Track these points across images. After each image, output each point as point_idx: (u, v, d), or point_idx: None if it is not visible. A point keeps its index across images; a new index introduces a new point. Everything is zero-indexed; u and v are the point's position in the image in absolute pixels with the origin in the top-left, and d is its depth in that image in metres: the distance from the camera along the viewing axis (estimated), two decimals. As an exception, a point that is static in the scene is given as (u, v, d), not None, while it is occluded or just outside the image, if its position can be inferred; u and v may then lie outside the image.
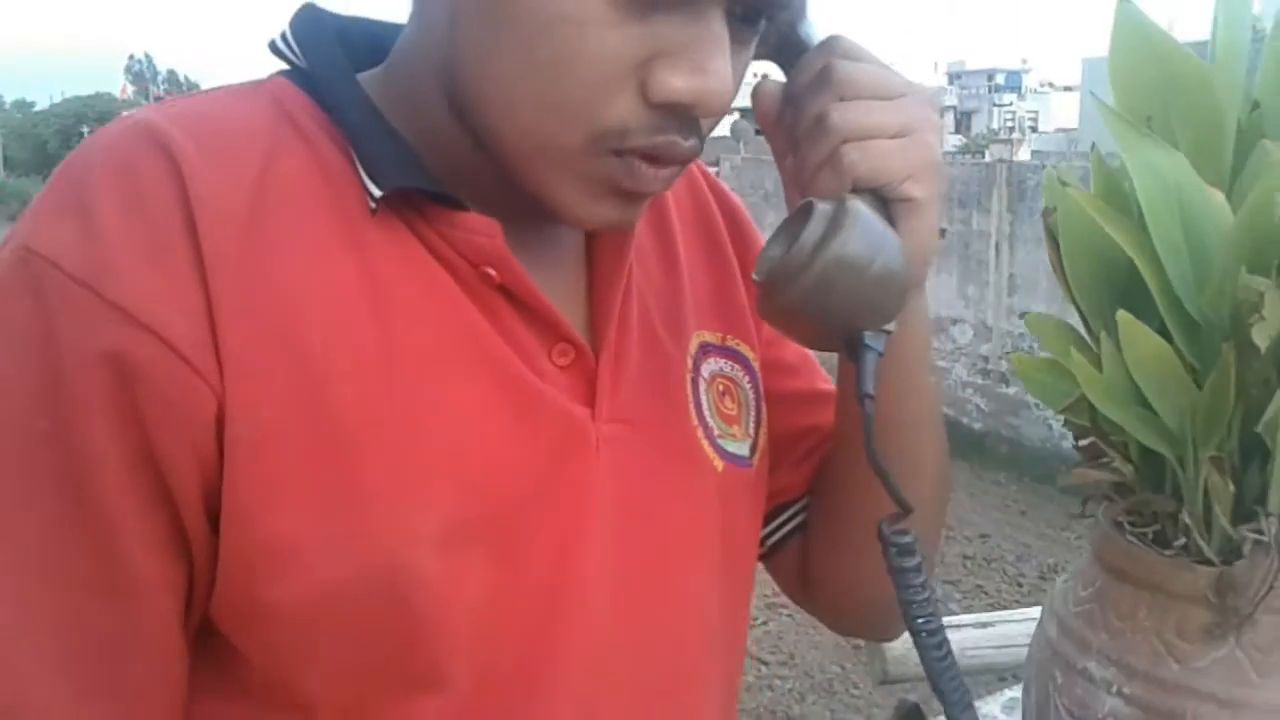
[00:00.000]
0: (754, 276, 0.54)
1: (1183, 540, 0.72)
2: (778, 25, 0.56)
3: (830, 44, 0.58)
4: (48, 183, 0.52)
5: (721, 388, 0.65)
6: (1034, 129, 42.64)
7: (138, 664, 0.51)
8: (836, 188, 0.55)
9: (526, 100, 0.50)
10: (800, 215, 0.53)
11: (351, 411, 0.50)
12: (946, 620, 1.39)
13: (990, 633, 1.62)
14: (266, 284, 0.50)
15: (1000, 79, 56.63)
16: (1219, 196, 0.68)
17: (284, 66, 0.58)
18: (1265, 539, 0.68)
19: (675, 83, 0.49)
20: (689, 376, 0.63)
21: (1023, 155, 20.48)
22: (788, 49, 0.59)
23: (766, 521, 0.72)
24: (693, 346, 0.64)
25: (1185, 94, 0.70)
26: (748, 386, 0.67)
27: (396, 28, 0.59)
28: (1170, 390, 0.68)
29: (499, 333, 0.55)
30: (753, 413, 0.67)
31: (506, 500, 0.54)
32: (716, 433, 0.63)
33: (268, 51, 0.58)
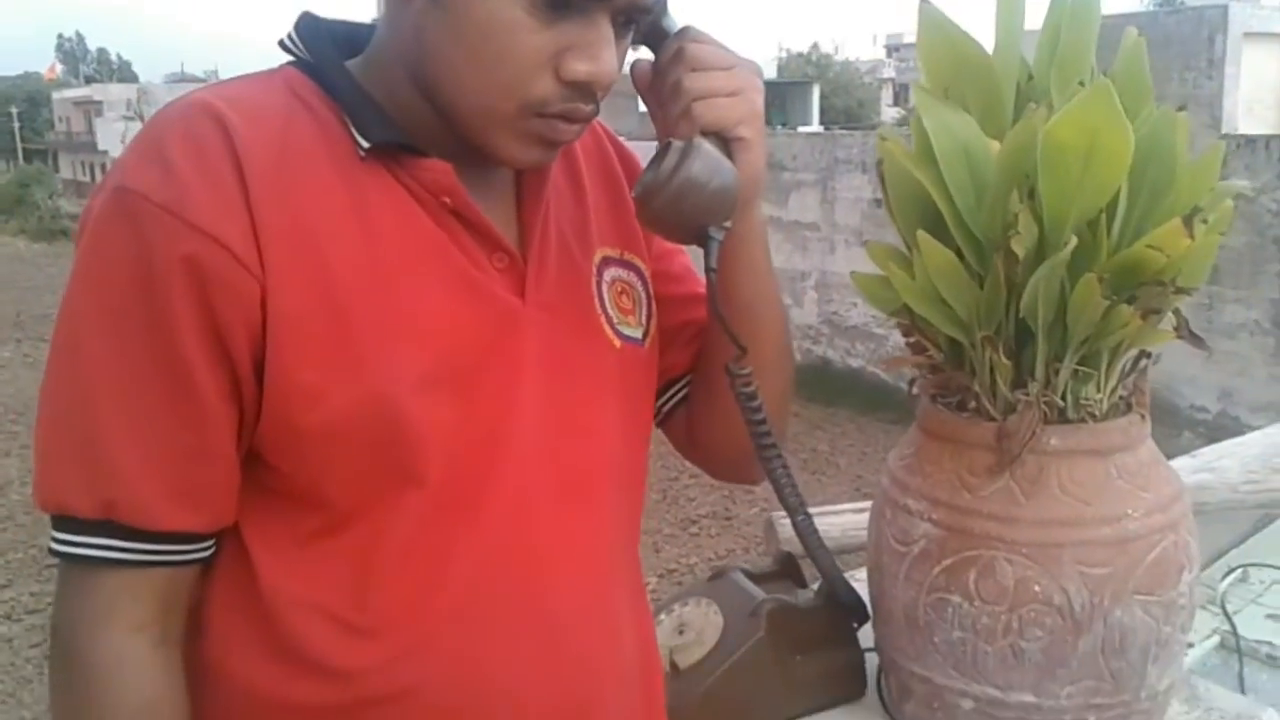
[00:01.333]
0: (632, 194, 0.77)
1: (974, 404, 0.97)
2: (647, 20, 0.80)
3: (683, 32, 0.82)
4: (131, 143, 0.74)
5: (620, 289, 0.88)
6: (969, 102, 43.18)
7: (206, 470, 0.73)
8: (689, 132, 0.78)
9: (474, 82, 0.72)
10: (662, 152, 0.77)
11: (350, 296, 0.72)
12: (838, 507, 1.63)
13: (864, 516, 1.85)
14: (290, 208, 0.71)
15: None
16: (995, 145, 0.92)
17: (287, 58, 0.80)
18: (1029, 399, 0.93)
19: (579, 68, 0.72)
20: (593, 280, 0.86)
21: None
22: (655, 36, 0.82)
23: (660, 394, 0.95)
24: (597, 258, 0.87)
25: (972, 71, 0.94)
26: (640, 289, 0.90)
27: (368, 27, 0.81)
28: (959, 290, 0.92)
29: (454, 243, 0.77)
30: (644, 308, 0.90)
31: (462, 357, 0.76)
32: (615, 320, 0.86)
33: (273, 46, 0.81)
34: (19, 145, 51.86)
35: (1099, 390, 0.95)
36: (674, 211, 0.76)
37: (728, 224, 0.79)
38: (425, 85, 0.75)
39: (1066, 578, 0.91)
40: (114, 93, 42.06)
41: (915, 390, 1.04)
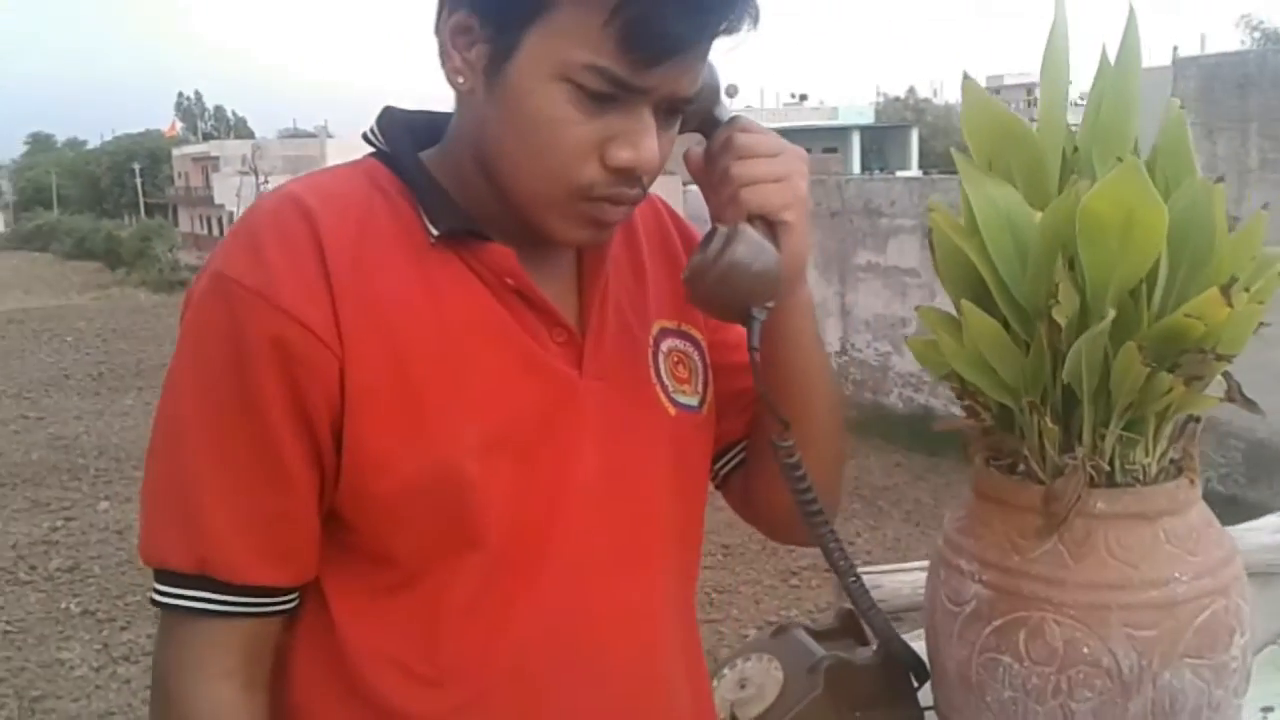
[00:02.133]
0: (682, 276, 0.82)
1: (1024, 468, 0.99)
2: (699, 109, 0.85)
3: (733, 121, 0.87)
4: (229, 232, 0.81)
5: (676, 359, 0.93)
6: (1073, 143, 42.60)
7: (290, 530, 0.80)
8: (737, 217, 0.84)
9: (527, 169, 0.79)
10: (709, 236, 0.82)
11: (420, 372, 0.79)
12: (909, 564, 1.64)
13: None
14: (367, 292, 0.78)
15: (1039, 92, 56.46)
16: (1038, 215, 0.95)
17: (370, 150, 0.87)
18: (1076, 463, 0.95)
19: (622, 155, 0.78)
20: (650, 350, 0.91)
21: (1058, 170, 20.61)
22: (708, 124, 0.88)
23: (718, 458, 1.00)
24: (654, 330, 0.92)
25: (1016, 144, 0.97)
26: (697, 358, 0.95)
27: (447, 116, 0.88)
28: (1004, 357, 0.95)
29: (515, 320, 0.83)
30: (701, 377, 0.95)
31: (521, 427, 0.82)
32: (671, 389, 0.91)
33: (354, 131, 0.88)
34: (141, 200, 54.11)
35: (1147, 454, 0.96)
36: (719, 293, 0.81)
37: (770, 304, 0.83)
38: (488, 171, 0.81)
39: (1114, 640, 0.92)
40: (230, 148, 43.70)
41: (969, 453, 1.06)
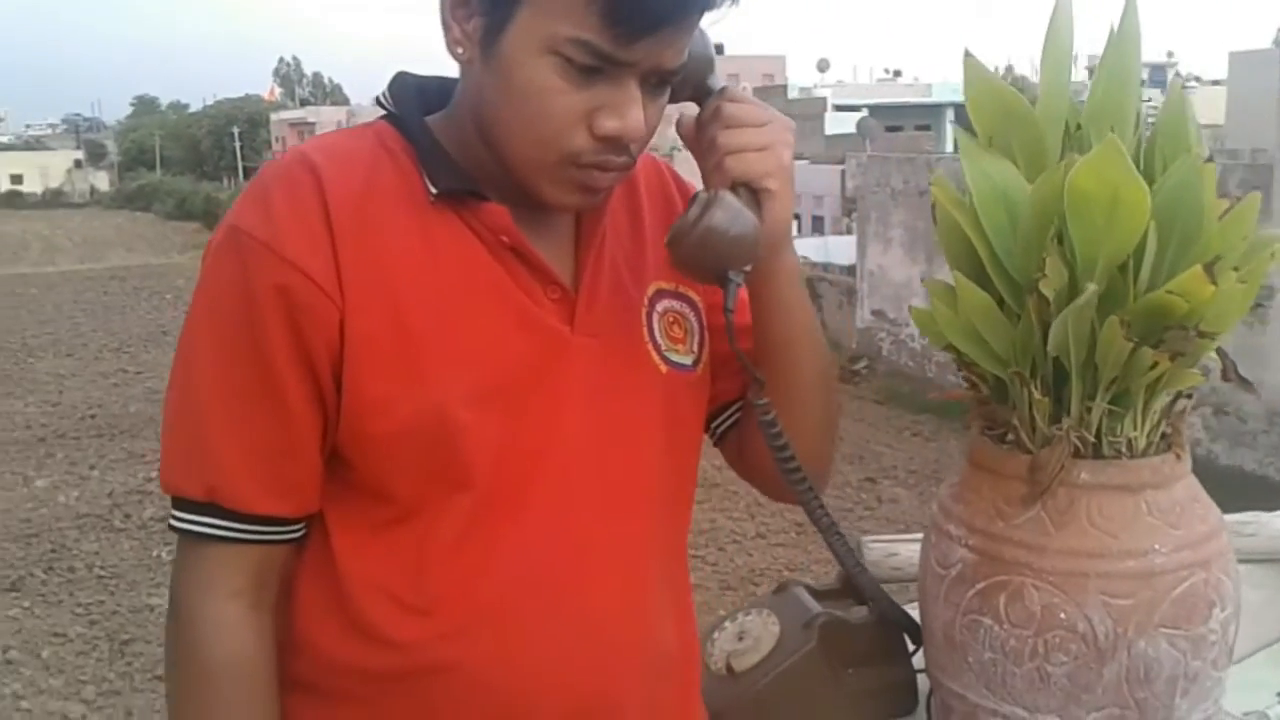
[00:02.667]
0: (665, 242, 0.87)
1: (1014, 437, 1.01)
2: (692, 78, 0.89)
3: (723, 91, 0.91)
4: (246, 187, 0.87)
5: (671, 319, 0.97)
6: (1177, 125, 41.27)
7: (293, 464, 0.87)
8: (721, 183, 0.88)
9: (520, 136, 0.83)
10: (691, 201, 0.86)
11: (416, 322, 0.84)
12: (914, 535, 1.66)
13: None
14: (368, 245, 0.84)
15: (1144, 74, 54.84)
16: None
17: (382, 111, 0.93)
18: (1062, 434, 0.97)
19: (609, 124, 0.82)
20: (644, 310, 0.95)
21: (1157, 153, 20.04)
22: (700, 93, 0.92)
23: (715, 415, 1.04)
24: (650, 290, 0.97)
25: (1017, 121, 0.99)
26: (693, 319, 0.99)
27: (457, 81, 0.93)
28: (996, 329, 0.98)
29: (510, 277, 0.88)
30: (696, 337, 0.99)
31: (512, 377, 0.87)
32: (664, 348, 0.96)
33: (391, 70, 0.94)
34: (240, 163, 55.37)
35: (1135, 428, 0.98)
36: (697, 256, 0.85)
37: (747, 268, 0.87)
38: (485, 137, 0.86)
39: (1091, 606, 0.94)
40: (326, 114, 44.52)
41: (967, 422, 1.09)
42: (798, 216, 23.69)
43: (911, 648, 1.16)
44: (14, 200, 56.51)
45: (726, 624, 1.18)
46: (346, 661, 0.89)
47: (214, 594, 0.87)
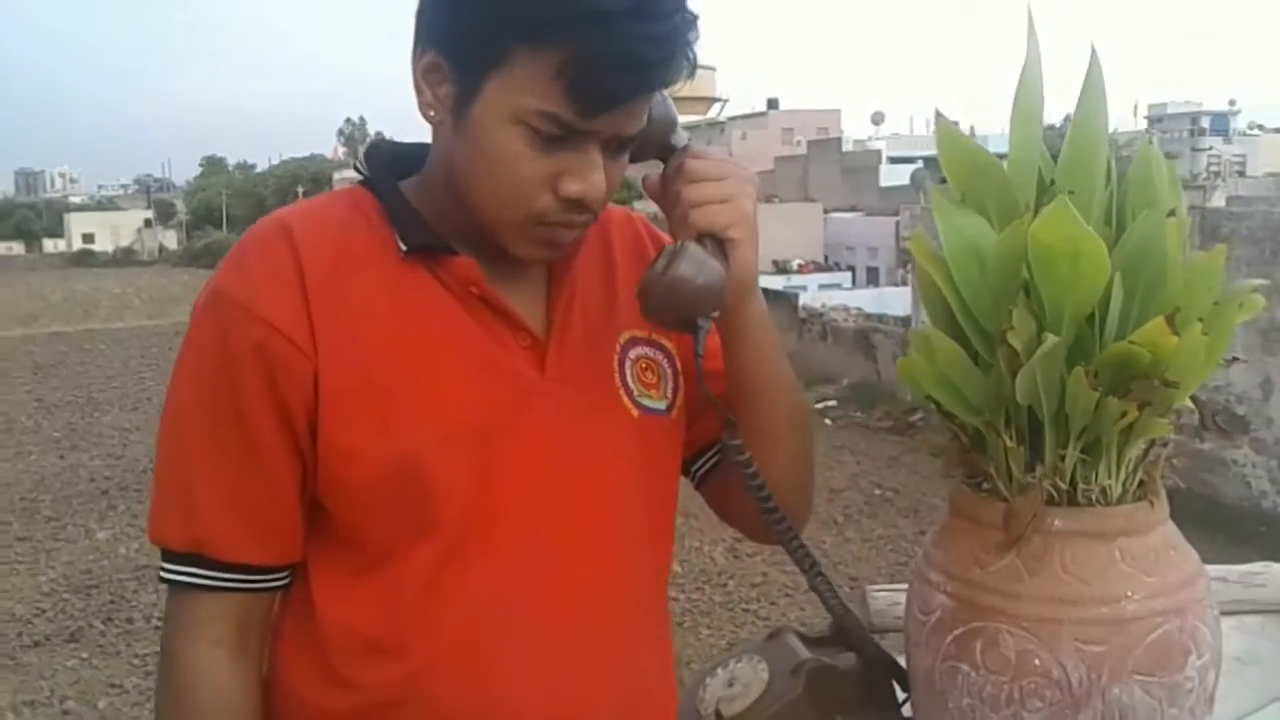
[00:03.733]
0: (635, 292, 0.90)
1: (990, 485, 1.03)
2: (656, 138, 0.93)
3: (685, 149, 0.96)
4: (228, 252, 0.93)
5: (644, 365, 1.01)
6: (1240, 173, 40.85)
7: (274, 514, 0.91)
8: (688, 235, 0.92)
9: (489, 197, 0.88)
10: (659, 253, 0.90)
11: (386, 374, 0.89)
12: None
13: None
14: (341, 304, 0.89)
15: (1206, 122, 54.27)
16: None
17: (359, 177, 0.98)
18: (1035, 482, 0.99)
19: (572, 188, 0.87)
20: (616, 356, 0.99)
21: (1217, 201, 19.84)
22: (664, 151, 0.96)
23: (695, 459, 1.07)
24: (623, 338, 1.01)
25: (989, 178, 1.02)
26: (666, 365, 1.02)
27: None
28: (967, 378, 1.00)
29: (480, 327, 0.92)
30: (670, 382, 1.02)
31: (482, 424, 0.91)
32: (636, 393, 0.99)
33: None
34: (303, 221, 56.32)
35: (1109, 476, 1.00)
36: (666, 305, 0.89)
37: (715, 314, 0.91)
38: (457, 195, 0.91)
39: (1064, 653, 0.96)
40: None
41: (947, 470, 1.10)
42: (852, 269, 23.72)
43: (902, 695, 1.17)
44: (86, 259, 58.04)
45: (718, 670, 1.20)
46: (319, 703, 0.93)
47: (198, 641, 0.91)
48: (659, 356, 1.03)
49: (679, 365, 1.04)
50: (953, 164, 1.03)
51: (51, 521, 10.66)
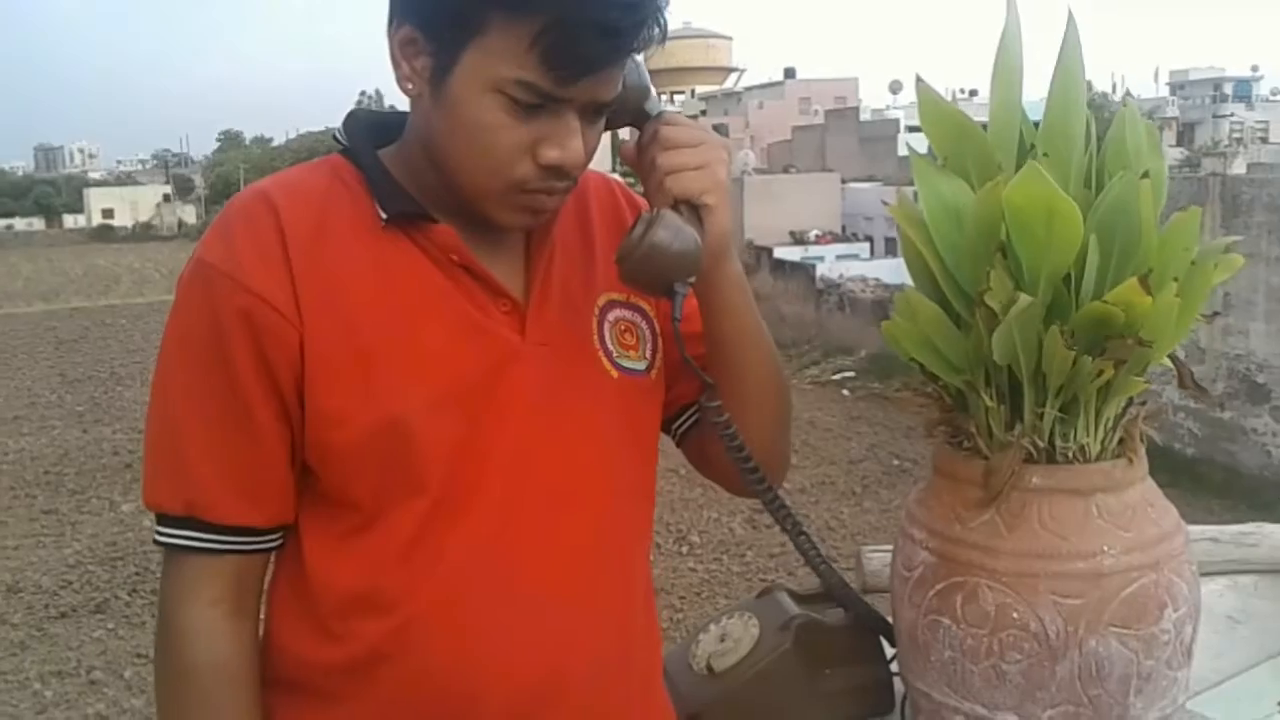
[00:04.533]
0: (614, 259, 0.93)
1: (971, 444, 1.05)
2: (631, 106, 0.95)
3: (660, 116, 0.98)
4: (211, 223, 0.95)
5: (623, 327, 1.03)
6: (1263, 140, 40.43)
7: (264, 477, 0.94)
8: (663, 203, 0.94)
9: (469, 166, 0.90)
10: (635, 221, 0.92)
11: (370, 340, 0.91)
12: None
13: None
14: (323, 270, 0.91)
15: (1229, 88, 53.66)
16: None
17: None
18: (1013, 440, 1.01)
19: (551, 155, 0.89)
20: (595, 319, 1.02)
21: (1238, 168, 19.67)
22: (639, 118, 0.98)
23: (675, 418, 1.10)
24: (601, 301, 1.03)
25: (970, 142, 1.04)
26: (645, 327, 1.04)
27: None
28: (947, 339, 1.02)
29: (460, 293, 0.95)
30: (649, 344, 1.05)
31: (465, 385, 0.93)
32: (615, 355, 1.02)
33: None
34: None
35: (1088, 434, 1.02)
36: (644, 271, 0.91)
37: (692, 280, 0.93)
38: (436, 165, 0.93)
39: (1042, 606, 0.98)
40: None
41: (929, 430, 1.13)
42: (870, 239, 23.62)
43: (891, 651, 1.20)
44: (105, 234, 58.37)
45: (711, 626, 1.23)
46: (312, 658, 0.96)
47: (195, 602, 0.94)
48: (637, 319, 1.05)
49: (657, 327, 1.06)
50: (934, 128, 1.05)
51: (76, 495, 10.80)
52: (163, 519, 0.95)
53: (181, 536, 0.94)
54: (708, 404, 0.99)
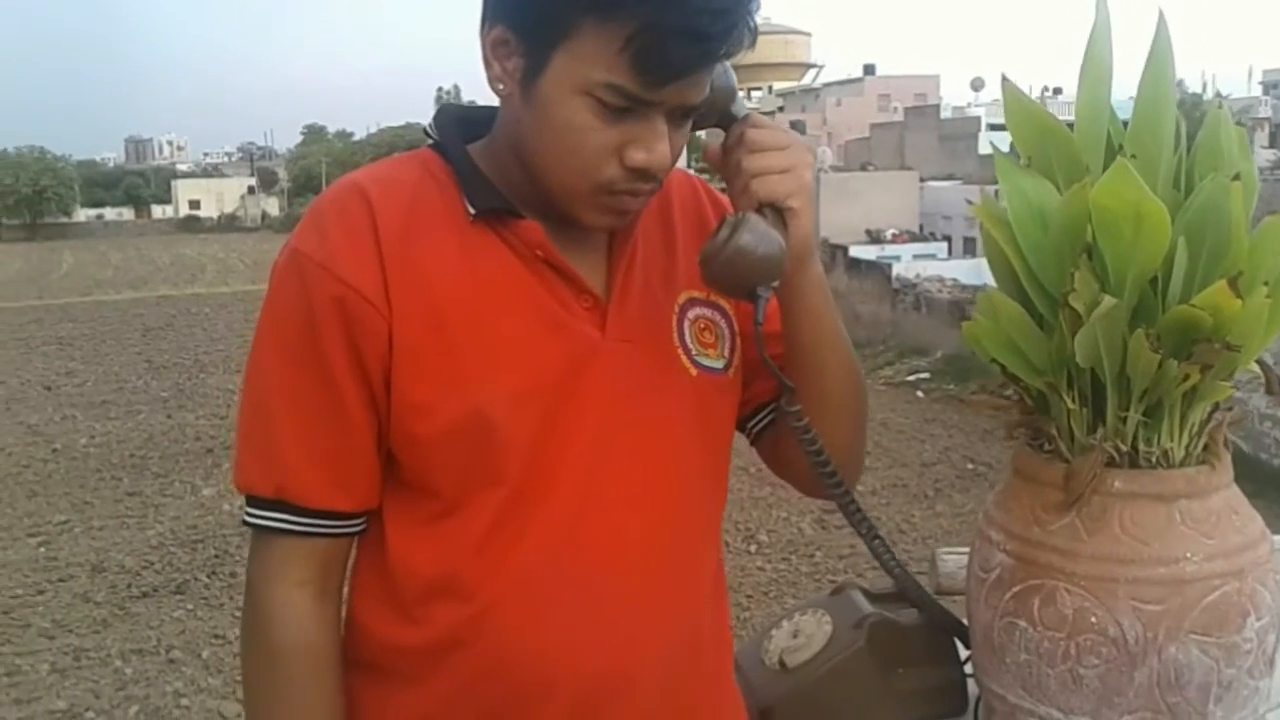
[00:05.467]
0: (698, 261, 0.93)
1: (1052, 446, 1.05)
2: (717, 107, 0.96)
3: (746, 118, 0.98)
4: (305, 213, 0.98)
5: (702, 325, 1.04)
6: (1361, 142, 39.16)
7: (352, 463, 0.96)
8: (748, 205, 0.94)
9: (557, 166, 0.92)
10: (720, 223, 0.93)
11: (457, 330, 0.93)
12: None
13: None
14: (412, 262, 0.93)
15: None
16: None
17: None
18: (1095, 443, 1.00)
19: (638, 157, 0.90)
20: (675, 316, 1.03)
21: (1334, 171, 19.10)
22: (724, 120, 0.99)
23: (750, 417, 1.10)
24: (681, 299, 1.04)
25: (1056, 143, 1.03)
26: (724, 325, 1.05)
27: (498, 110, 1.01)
28: (1030, 340, 1.01)
29: (544, 288, 0.96)
30: (728, 342, 1.05)
31: (546, 380, 0.95)
32: (694, 352, 1.02)
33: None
34: (400, 188, 57.08)
35: (1171, 439, 1.00)
36: (727, 275, 0.92)
37: (775, 284, 0.93)
38: (523, 163, 0.95)
39: (1121, 611, 0.97)
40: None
41: (1010, 432, 1.12)
42: (948, 238, 23.34)
43: (965, 653, 1.19)
44: (192, 225, 59.71)
45: (783, 622, 1.23)
46: (392, 641, 0.98)
47: (282, 583, 0.97)
48: (717, 317, 1.06)
49: (736, 325, 1.06)
50: (1019, 127, 1.04)
51: (159, 478, 11.08)
52: (253, 501, 0.98)
53: (271, 518, 0.97)
54: (788, 408, 1.00)
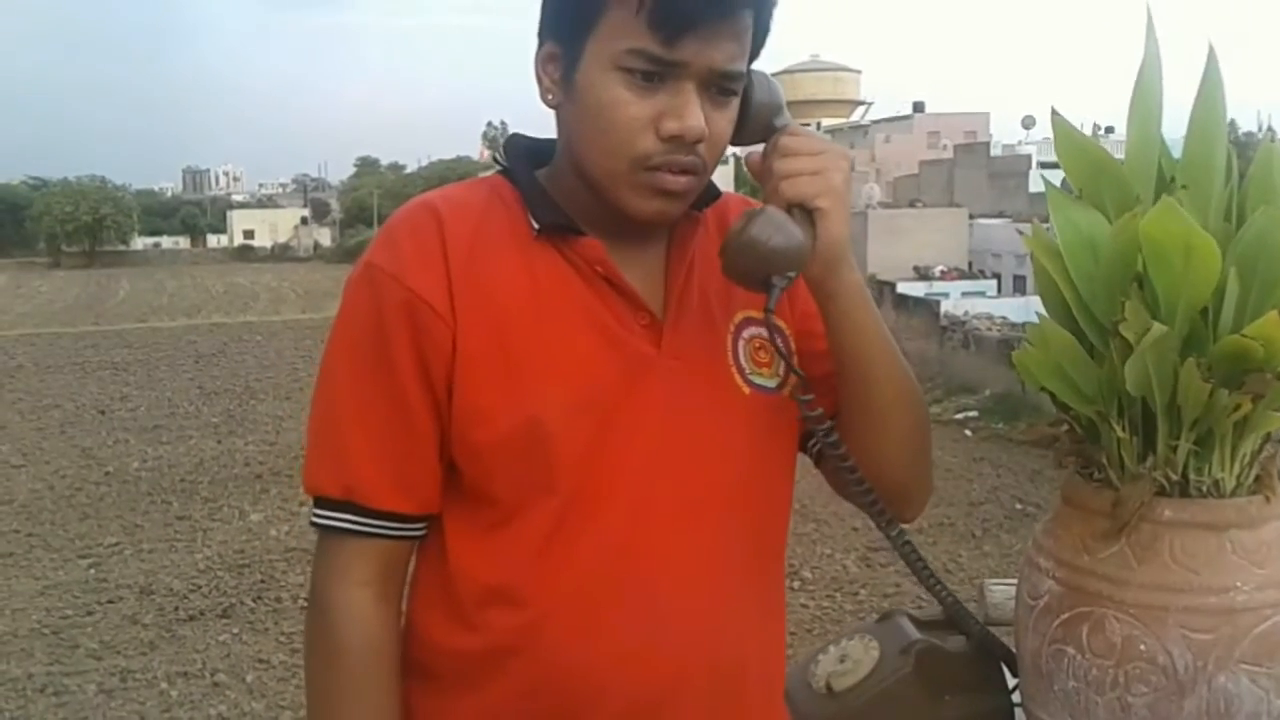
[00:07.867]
0: (718, 251, 0.96)
1: (1102, 475, 1.05)
2: (762, 121, 1.00)
3: (784, 128, 1.01)
4: (380, 229, 1.02)
5: (758, 344, 1.06)
6: None
7: (416, 467, 0.99)
8: (777, 204, 0.97)
9: (596, 148, 0.96)
10: (740, 217, 0.96)
11: (516, 342, 0.97)
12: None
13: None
14: (477, 276, 0.97)
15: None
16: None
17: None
18: (1145, 472, 1.01)
19: (671, 126, 0.94)
20: (730, 336, 1.05)
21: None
22: (769, 133, 1.02)
23: (810, 436, 1.11)
24: (737, 318, 1.06)
25: (1107, 175, 1.04)
26: (780, 345, 1.07)
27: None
28: (1081, 368, 1.02)
29: (602, 304, 0.99)
30: (783, 363, 1.07)
31: (601, 393, 0.98)
32: (748, 371, 1.04)
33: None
34: (450, 221, 57.69)
35: (1223, 469, 1.01)
36: (740, 263, 0.95)
37: (791, 275, 0.96)
38: (576, 168, 0.99)
39: (1171, 640, 0.97)
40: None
41: (1060, 460, 1.13)
42: (998, 276, 23.18)
43: (1012, 681, 1.19)
44: (246, 254, 60.62)
45: (830, 647, 1.24)
46: (449, 646, 1.01)
47: (346, 582, 1.00)
48: (774, 337, 1.08)
49: (792, 346, 1.08)
50: (1070, 161, 1.06)
51: (209, 502, 11.19)
52: (321, 502, 1.01)
53: (337, 519, 1.00)
54: (826, 440, 1.02)
